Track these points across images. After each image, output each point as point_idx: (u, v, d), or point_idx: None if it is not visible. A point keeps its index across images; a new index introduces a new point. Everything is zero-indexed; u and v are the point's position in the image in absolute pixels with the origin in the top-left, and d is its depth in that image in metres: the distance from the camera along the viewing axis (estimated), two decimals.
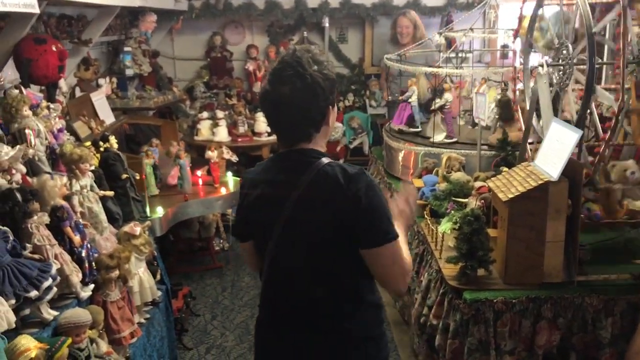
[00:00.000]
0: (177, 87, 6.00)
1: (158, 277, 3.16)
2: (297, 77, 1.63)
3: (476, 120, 3.66)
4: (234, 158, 4.93)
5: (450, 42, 5.13)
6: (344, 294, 1.75)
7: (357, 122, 6.64)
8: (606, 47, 3.00)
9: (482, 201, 2.78)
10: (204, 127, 5.71)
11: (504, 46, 6.25)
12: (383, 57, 6.51)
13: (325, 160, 1.69)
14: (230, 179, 4.52)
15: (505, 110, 3.61)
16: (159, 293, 3.05)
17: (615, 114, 2.24)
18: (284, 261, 1.74)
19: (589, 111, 2.43)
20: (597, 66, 2.29)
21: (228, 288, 4.50)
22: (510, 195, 2.32)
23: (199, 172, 4.43)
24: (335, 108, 1.77)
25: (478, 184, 2.99)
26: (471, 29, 4.37)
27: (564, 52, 2.56)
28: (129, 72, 5.06)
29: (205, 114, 5.80)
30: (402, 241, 1.71)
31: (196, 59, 6.74)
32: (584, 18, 2.26)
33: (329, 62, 1.71)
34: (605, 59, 3.01)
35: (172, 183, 4.29)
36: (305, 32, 6.58)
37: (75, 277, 2.38)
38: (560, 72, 2.55)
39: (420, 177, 3.63)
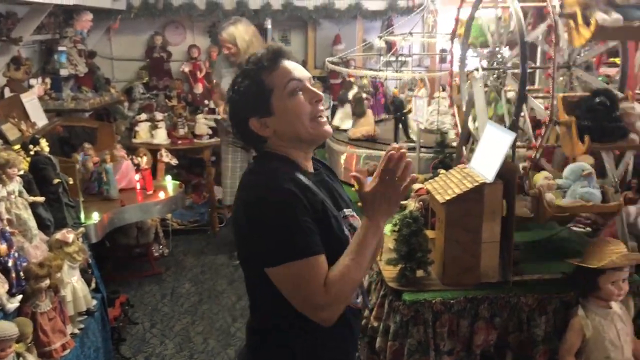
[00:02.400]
0: (114, 88, 5.82)
1: (93, 285, 3.06)
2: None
3: (415, 123, 3.71)
4: (174, 161, 4.83)
5: (390, 46, 5.20)
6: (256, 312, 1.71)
7: None
8: (540, 49, 3.08)
9: (421, 203, 2.82)
10: (143, 129, 5.56)
11: (443, 50, 6.39)
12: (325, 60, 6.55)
13: (251, 167, 1.66)
14: (170, 183, 4.42)
15: (358, 106, 4.35)
16: (94, 302, 2.95)
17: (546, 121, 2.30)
18: None
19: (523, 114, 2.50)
20: (529, 71, 2.34)
21: (168, 295, 4.40)
22: (447, 197, 2.35)
23: (136, 176, 4.30)
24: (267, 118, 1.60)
25: (417, 186, 3.02)
26: (410, 33, 4.42)
27: (499, 56, 2.61)
28: (64, 72, 4.87)
29: (143, 116, 5.65)
30: (353, 253, 1.51)
31: (135, 60, 6.56)
32: (517, 26, 2.31)
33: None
34: (538, 62, 3.09)
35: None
36: None
37: (1, 288, 2.26)
38: (495, 76, 2.61)
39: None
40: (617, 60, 2.66)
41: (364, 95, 4.54)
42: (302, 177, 1.58)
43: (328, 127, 1.63)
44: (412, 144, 3.65)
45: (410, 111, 4.02)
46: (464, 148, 2.91)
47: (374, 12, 6.62)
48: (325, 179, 1.72)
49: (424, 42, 6.28)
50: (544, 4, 2.32)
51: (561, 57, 2.76)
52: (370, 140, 4.15)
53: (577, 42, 2.21)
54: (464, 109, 2.88)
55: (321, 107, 1.62)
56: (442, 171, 2.80)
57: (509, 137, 2.29)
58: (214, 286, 4.46)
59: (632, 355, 2.40)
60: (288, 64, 1.61)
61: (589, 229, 2.91)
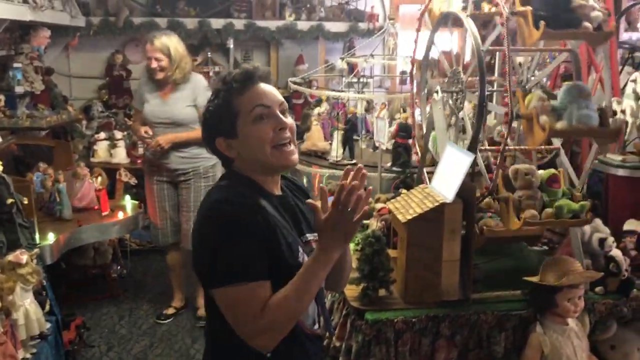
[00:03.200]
0: (72, 107, 5.71)
1: (47, 308, 2.96)
2: None
3: (377, 144, 3.76)
4: (133, 180, 4.75)
5: (352, 67, 5.27)
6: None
7: None
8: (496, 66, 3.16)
9: (383, 222, 2.84)
10: (101, 148, 5.47)
11: (403, 72, 6.52)
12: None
13: (220, 182, 1.65)
14: (128, 203, 4.34)
15: (305, 121, 4.59)
16: (48, 325, 2.85)
17: (504, 137, 2.36)
18: None
19: None
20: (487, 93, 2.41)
21: (126, 316, 4.29)
22: (409, 217, 2.38)
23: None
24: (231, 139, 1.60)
25: (379, 205, 3.05)
26: (372, 55, 4.50)
27: (456, 79, 2.68)
28: (19, 89, 4.74)
29: (102, 135, 5.56)
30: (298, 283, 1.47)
31: (94, 77, 6.47)
32: (474, 44, 2.37)
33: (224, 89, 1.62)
34: (495, 85, 3.17)
35: (78, 205, 4.08)
36: (209, 53, 6.51)
37: None
38: (454, 98, 2.67)
39: None
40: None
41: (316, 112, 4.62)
42: (262, 200, 1.56)
43: (293, 157, 1.60)
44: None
45: (351, 128, 4.21)
46: (424, 169, 2.95)
47: (335, 34, 6.70)
48: (291, 203, 1.69)
49: (384, 64, 6.40)
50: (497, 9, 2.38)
51: (516, 79, 2.86)
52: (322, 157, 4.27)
53: (528, 40, 2.28)
54: (424, 130, 2.93)
55: (287, 135, 1.58)
56: (404, 191, 2.84)
57: (467, 158, 2.34)
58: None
59: None
60: (259, 88, 1.59)
61: (546, 247, 2.98)
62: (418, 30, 3.03)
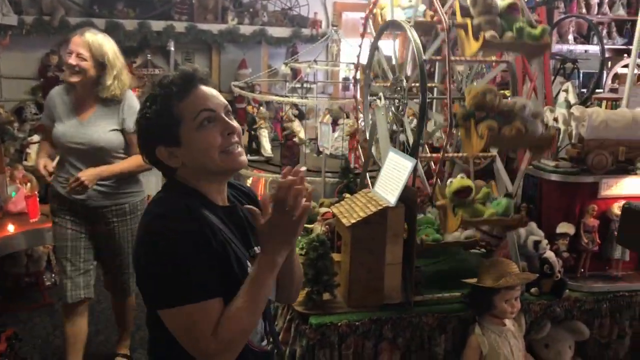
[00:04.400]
0: (3, 108, 5.48)
1: None
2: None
3: (320, 149, 3.78)
4: None
5: (295, 73, 5.29)
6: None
7: None
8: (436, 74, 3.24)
9: (327, 226, 2.85)
10: (35, 151, 5.26)
11: (345, 79, 6.59)
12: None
13: (159, 193, 1.56)
14: None
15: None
16: None
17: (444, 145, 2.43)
18: None
19: None
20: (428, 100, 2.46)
21: (60, 326, 4.13)
22: (353, 221, 2.40)
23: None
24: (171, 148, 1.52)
25: (323, 209, 3.06)
26: (315, 61, 4.52)
27: (399, 86, 2.73)
28: None
29: (36, 138, 5.35)
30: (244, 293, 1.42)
31: (27, 78, 6.22)
32: (415, 51, 2.42)
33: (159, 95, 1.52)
34: (435, 92, 3.25)
35: (13, 210, 3.91)
36: (149, 55, 6.38)
37: None
38: (397, 104, 2.71)
39: None
40: (507, 93, 2.85)
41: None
42: (207, 213, 1.49)
43: (242, 158, 1.55)
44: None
45: (260, 126, 4.29)
46: (367, 174, 2.98)
47: (278, 39, 6.71)
48: (239, 214, 1.63)
49: (328, 70, 6.45)
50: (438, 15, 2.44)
51: (456, 88, 2.94)
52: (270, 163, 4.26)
53: (467, 51, 2.36)
54: (367, 136, 2.97)
55: (235, 139, 1.52)
56: (347, 195, 2.87)
57: (409, 163, 2.39)
58: (110, 317, 4.25)
59: None
60: (201, 91, 1.51)
61: (484, 250, 3.07)
62: (362, 35, 3.07)
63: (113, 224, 3.18)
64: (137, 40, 6.20)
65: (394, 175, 2.47)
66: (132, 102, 3.12)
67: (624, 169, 2.88)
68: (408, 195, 2.43)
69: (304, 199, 1.39)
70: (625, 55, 7.16)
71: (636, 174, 2.87)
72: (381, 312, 2.47)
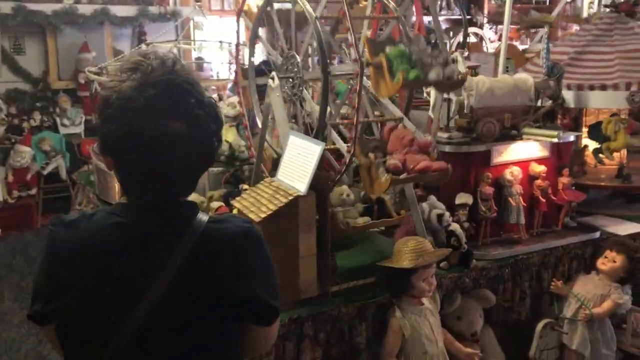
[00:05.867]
0: None
1: None
2: (191, 106, 1.26)
3: None
4: None
5: None
6: None
7: (49, 144, 5.84)
8: None
9: None
10: None
11: (198, 58, 6.23)
12: (74, 69, 5.90)
13: (204, 216, 1.33)
14: None
15: None
16: None
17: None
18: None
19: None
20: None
21: None
22: (263, 215, 2.18)
23: None
24: None
25: (215, 204, 2.79)
26: (178, 41, 4.16)
27: (292, 62, 2.52)
28: None
29: None
30: None
31: None
32: (314, 30, 2.24)
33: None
34: None
35: None
36: None
37: None
38: (290, 85, 2.51)
39: None
40: None
41: None
42: None
43: None
44: None
45: None
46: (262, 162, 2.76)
47: (123, 18, 6.15)
48: None
49: (181, 49, 6.04)
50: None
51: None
52: None
53: (384, 93, 2.27)
54: (259, 120, 2.73)
55: None
56: (246, 186, 2.63)
57: (317, 146, 2.21)
58: None
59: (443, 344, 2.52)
60: None
61: (382, 227, 3.00)
62: (239, 11, 2.81)
63: None
64: None
65: (299, 161, 2.28)
66: None
67: (510, 135, 2.95)
68: (318, 181, 2.26)
69: None
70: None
71: (522, 138, 2.95)
72: (300, 310, 2.29)
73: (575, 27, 6.58)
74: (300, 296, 2.32)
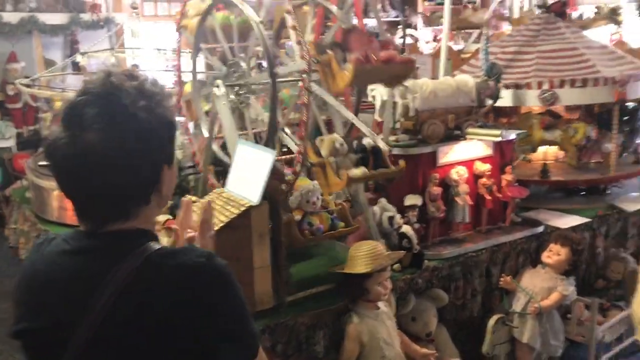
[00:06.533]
0: None
1: None
2: (113, 117, 1.06)
3: None
4: None
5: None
6: None
7: None
8: None
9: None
10: None
11: (135, 65, 6.06)
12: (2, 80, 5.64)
13: (155, 245, 1.12)
14: None
15: None
16: None
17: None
18: None
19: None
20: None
21: None
22: (214, 227, 2.11)
23: None
24: (174, 166, 1.20)
25: (162, 217, 2.69)
26: (113, 49, 4.02)
27: (237, 69, 2.48)
28: None
29: None
30: None
31: None
32: (258, 34, 2.20)
33: (164, 95, 1.15)
34: None
35: None
36: None
37: None
38: (237, 91, 2.47)
39: None
40: None
41: None
42: None
43: None
44: None
45: None
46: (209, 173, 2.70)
47: (53, 27, 5.90)
48: None
49: (117, 57, 5.85)
50: None
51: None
52: None
53: (335, 88, 2.24)
54: (204, 129, 2.67)
55: None
56: (193, 198, 2.55)
57: (268, 155, 2.17)
58: None
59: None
60: None
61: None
62: (180, 15, 2.74)
63: None
64: None
65: (250, 170, 2.23)
66: None
67: (455, 135, 3.00)
68: (269, 190, 2.21)
69: None
70: (400, 27, 7.75)
71: (465, 138, 3.00)
72: (256, 322, 2.23)
73: (505, 27, 6.81)
74: (255, 308, 2.27)
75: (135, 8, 5.07)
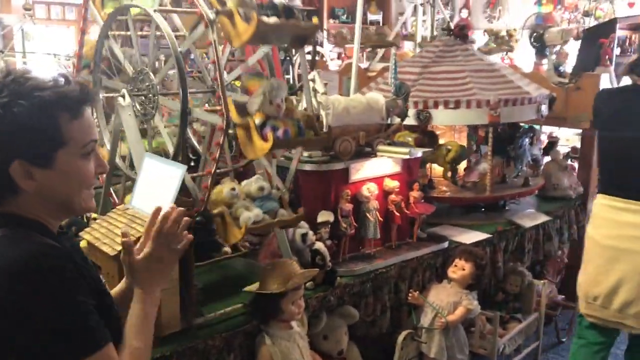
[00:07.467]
0: None
1: None
2: None
3: None
4: None
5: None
6: None
7: None
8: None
9: None
10: None
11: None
12: None
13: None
14: None
15: None
16: None
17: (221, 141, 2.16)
18: None
19: None
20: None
21: None
22: (119, 248, 1.97)
23: None
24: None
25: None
26: (2, 52, 3.71)
27: (145, 80, 2.34)
28: None
29: None
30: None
31: None
32: (171, 45, 2.09)
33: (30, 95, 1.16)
34: None
35: None
36: None
37: None
38: (144, 102, 2.33)
39: None
40: None
41: None
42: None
43: (93, 202, 1.38)
44: None
45: None
46: (111, 188, 2.53)
47: None
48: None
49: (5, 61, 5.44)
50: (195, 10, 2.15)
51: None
52: None
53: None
54: (107, 142, 2.50)
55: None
56: (94, 215, 2.38)
57: (178, 169, 2.05)
58: None
59: None
60: (89, 115, 1.30)
61: (245, 250, 2.91)
62: (83, 20, 2.56)
63: None
64: None
65: (158, 185, 2.10)
66: None
67: (365, 152, 3.02)
68: (181, 206, 2.09)
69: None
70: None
71: (376, 155, 3.03)
72: (163, 347, 2.11)
73: (407, 48, 7.04)
74: (162, 332, 2.13)
75: (28, 9, 4.70)
